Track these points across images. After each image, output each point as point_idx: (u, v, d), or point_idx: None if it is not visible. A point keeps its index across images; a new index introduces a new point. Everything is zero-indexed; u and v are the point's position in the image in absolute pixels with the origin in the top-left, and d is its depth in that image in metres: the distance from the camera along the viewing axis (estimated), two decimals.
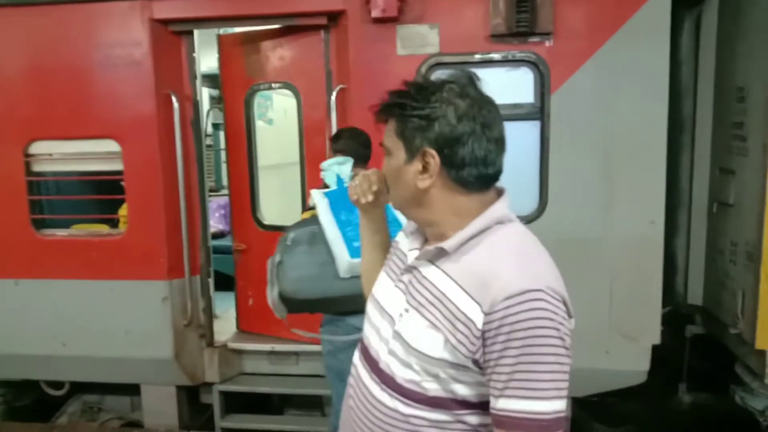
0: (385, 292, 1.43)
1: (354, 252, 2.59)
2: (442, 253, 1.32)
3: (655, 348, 3.36)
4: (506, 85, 3.31)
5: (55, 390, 4.06)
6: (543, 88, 3.24)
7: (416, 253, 1.38)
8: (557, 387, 1.17)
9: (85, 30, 3.50)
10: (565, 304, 1.22)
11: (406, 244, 1.46)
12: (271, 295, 2.72)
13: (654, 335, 3.34)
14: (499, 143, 1.31)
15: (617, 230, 3.28)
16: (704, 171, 3.61)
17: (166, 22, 3.53)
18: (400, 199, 1.38)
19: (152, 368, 3.72)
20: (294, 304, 2.74)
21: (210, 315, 3.92)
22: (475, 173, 1.28)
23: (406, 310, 1.33)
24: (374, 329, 1.42)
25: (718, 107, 3.51)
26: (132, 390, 3.98)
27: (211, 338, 3.90)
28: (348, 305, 2.66)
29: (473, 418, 1.29)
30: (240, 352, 3.99)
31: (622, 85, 3.18)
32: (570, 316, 1.24)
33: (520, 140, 3.32)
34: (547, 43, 3.21)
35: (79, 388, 4.11)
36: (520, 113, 3.30)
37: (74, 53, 3.53)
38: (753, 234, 3.12)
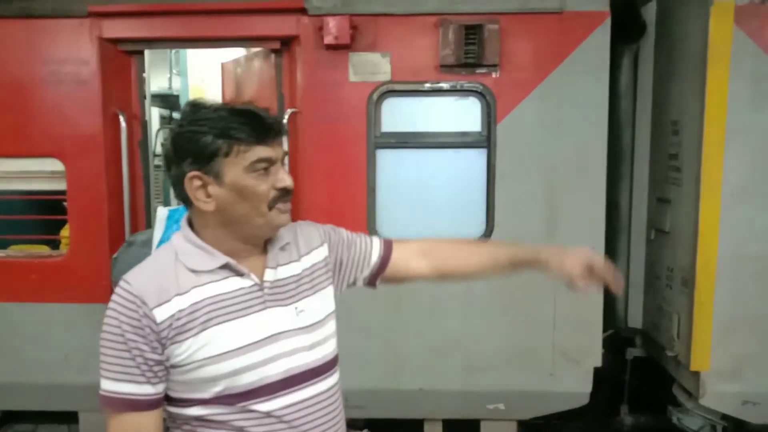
0: (256, 328, 1.42)
1: None
2: (284, 248, 1.56)
3: (596, 370, 3.45)
4: (454, 114, 3.41)
5: None
6: (489, 118, 3.34)
7: (270, 271, 1.50)
8: None
9: (31, 46, 3.42)
10: None
11: (210, 287, 1.41)
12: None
13: (596, 358, 3.43)
14: None
15: None
16: (642, 199, 3.77)
17: (115, 41, 3.48)
18: None
19: (91, 395, 3.55)
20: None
21: None
22: None
23: (297, 305, 1.50)
24: (275, 359, 1.44)
25: (655, 139, 3.69)
26: (69, 418, 3.82)
27: None
28: None
29: None
30: None
31: (564, 115, 3.31)
32: None
33: (468, 167, 3.41)
34: (493, 75, 3.32)
35: (12, 417, 3.92)
36: (467, 141, 3.38)
37: (19, 69, 3.44)
38: (687, 260, 3.27)
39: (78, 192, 3.48)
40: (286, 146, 1.49)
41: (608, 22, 3.25)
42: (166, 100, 6.32)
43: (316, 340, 1.51)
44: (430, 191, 3.42)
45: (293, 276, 1.54)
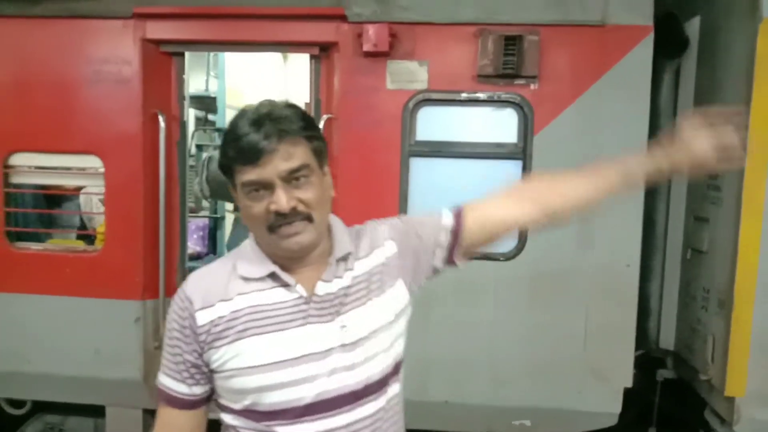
0: (291, 345, 1.34)
1: None
2: (344, 258, 1.46)
3: (626, 391, 3.38)
4: (490, 124, 3.38)
5: (15, 409, 3.93)
6: (526, 129, 3.31)
7: (299, 286, 1.39)
8: None
9: (76, 45, 3.50)
10: None
11: (253, 296, 1.38)
12: (199, 182, 4.31)
13: (626, 378, 3.37)
14: None
15: (593, 272, 3.32)
16: (679, 218, 3.69)
17: (157, 43, 3.54)
18: (326, 217, 1.45)
19: (120, 390, 3.63)
20: (215, 185, 4.45)
21: None
22: None
23: (342, 322, 1.38)
24: (308, 381, 1.34)
25: None
26: (97, 412, 3.87)
27: None
28: None
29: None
30: None
31: (602, 130, 3.26)
32: None
33: (502, 179, 3.37)
34: (532, 86, 3.29)
35: (42, 407, 3.99)
36: (502, 152, 3.36)
37: (64, 67, 3.52)
38: (725, 281, 3.18)
39: (115, 189, 3.54)
40: (306, 157, 1.35)
41: (651, 36, 3.20)
42: (203, 102, 6.41)
43: (358, 359, 1.37)
44: (461, 202, 3.40)
45: (342, 288, 1.41)
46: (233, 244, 5.00)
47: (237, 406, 1.39)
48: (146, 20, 3.46)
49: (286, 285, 1.39)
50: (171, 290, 3.71)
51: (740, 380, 3.14)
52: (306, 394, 1.34)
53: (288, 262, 1.40)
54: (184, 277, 3.81)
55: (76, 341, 3.59)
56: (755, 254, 3.08)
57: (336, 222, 1.50)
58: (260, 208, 1.32)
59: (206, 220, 6.22)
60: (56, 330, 3.61)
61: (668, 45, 3.46)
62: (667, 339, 3.76)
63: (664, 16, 3.43)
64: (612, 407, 3.37)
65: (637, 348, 3.48)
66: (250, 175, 1.29)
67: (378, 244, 1.49)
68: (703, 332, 3.39)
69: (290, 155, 1.30)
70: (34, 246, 3.73)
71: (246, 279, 1.39)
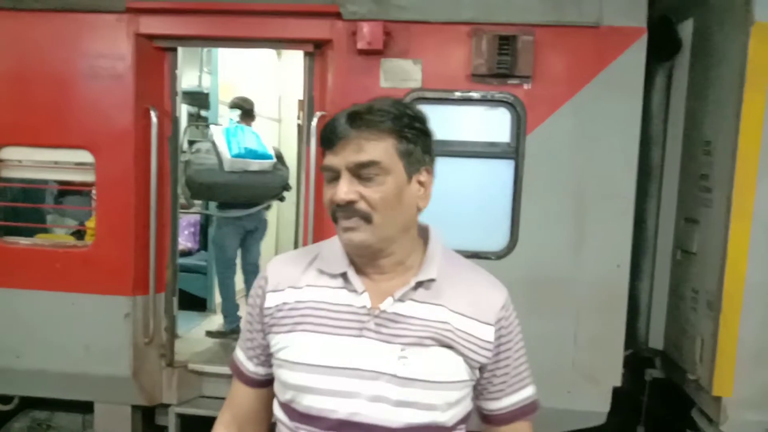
0: (342, 353, 1.26)
1: (233, 153, 4.50)
2: (425, 285, 1.29)
3: (615, 390, 3.40)
4: (484, 123, 3.39)
5: (2, 404, 3.91)
6: (519, 129, 3.32)
7: (367, 294, 1.29)
8: (530, 373, 1.44)
9: (70, 39, 3.48)
10: None
11: (323, 292, 1.32)
12: (180, 186, 4.09)
13: (615, 377, 3.39)
14: None
15: (584, 272, 3.34)
16: (670, 219, 3.72)
17: (151, 38, 3.52)
18: (397, 224, 1.27)
19: (109, 386, 3.62)
20: (195, 187, 4.55)
21: (172, 334, 3.84)
22: None
23: (403, 351, 1.25)
24: (347, 396, 1.25)
25: (685, 158, 3.64)
26: (85, 408, 3.85)
27: (172, 358, 3.81)
28: (231, 194, 4.63)
29: None
30: (200, 374, 3.91)
31: (595, 131, 3.28)
32: None
33: (494, 178, 3.39)
34: (525, 86, 3.30)
35: (29, 403, 3.96)
36: (495, 152, 3.37)
37: (57, 61, 3.50)
38: (714, 283, 3.21)
39: (106, 184, 3.53)
40: (382, 155, 1.24)
41: (644, 38, 3.22)
42: (195, 98, 6.37)
43: (409, 399, 1.24)
44: (453, 201, 3.39)
45: (424, 320, 1.27)
46: (216, 241, 4.95)
47: (281, 398, 1.35)
48: (140, 15, 3.45)
49: (354, 290, 1.30)
50: (161, 286, 3.70)
51: (728, 381, 3.17)
52: (341, 408, 1.25)
53: (362, 264, 1.32)
54: (174, 273, 3.81)
55: (66, 337, 3.57)
56: (744, 256, 3.11)
57: (436, 243, 1.36)
58: (328, 195, 1.27)
59: (198, 217, 6.19)
60: (46, 326, 3.59)
61: (661, 47, 3.48)
62: (657, 339, 3.79)
63: (658, 18, 3.46)
64: (601, 406, 3.39)
65: (626, 348, 3.50)
66: (326, 159, 1.26)
67: (482, 318, 1.32)
68: (691, 333, 3.42)
69: (362, 148, 1.22)
70: (23, 241, 3.71)
71: (320, 272, 1.34)
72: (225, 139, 4.58)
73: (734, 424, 3.21)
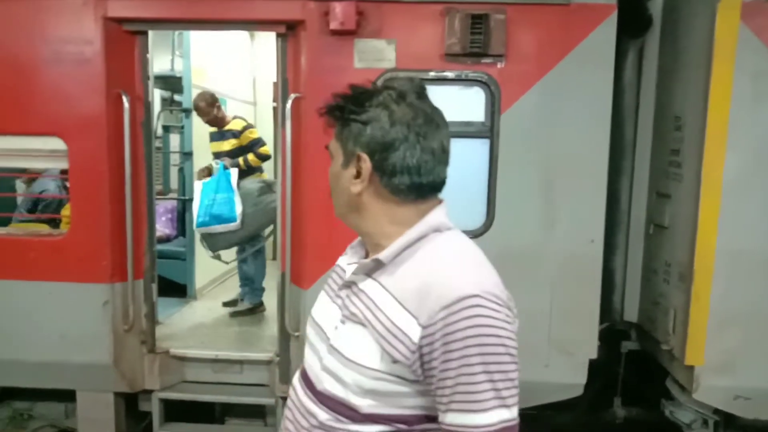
0: (321, 310, 1.42)
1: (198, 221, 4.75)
2: (378, 265, 1.28)
3: (591, 362, 3.49)
4: (458, 103, 3.40)
5: None
6: (493, 108, 3.34)
7: (354, 267, 1.34)
8: (500, 396, 1.13)
9: (35, 24, 3.40)
10: (508, 307, 1.21)
11: (344, 259, 1.46)
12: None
13: (591, 350, 3.47)
14: (438, 154, 1.26)
15: (559, 247, 3.40)
16: (642, 194, 3.78)
17: (120, 21, 3.46)
18: (339, 204, 1.36)
19: (89, 374, 3.61)
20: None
21: (152, 321, 3.83)
22: (407, 182, 1.25)
23: (342, 322, 1.30)
24: (312, 349, 1.40)
25: (657, 134, 3.70)
26: (67, 396, 3.84)
27: (153, 344, 3.81)
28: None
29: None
30: (182, 359, 3.91)
31: (568, 108, 3.31)
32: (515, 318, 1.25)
33: (470, 157, 3.41)
34: (498, 65, 3.32)
35: (9, 394, 3.94)
36: (470, 131, 3.38)
37: (23, 47, 3.43)
38: (685, 255, 3.29)
39: (80, 171, 3.48)
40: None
41: (615, 15, 3.25)
42: (168, 82, 6.28)
43: (329, 366, 1.30)
44: None
45: (367, 298, 1.28)
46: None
47: None
48: None
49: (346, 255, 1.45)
50: (139, 273, 3.68)
51: (699, 350, 3.26)
52: (308, 358, 1.40)
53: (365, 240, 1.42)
54: (152, 260, 3.79)
55: (45, 326, 3.54)
56: (714, 229, 3.19)
57: (415, 230, 1.28)
58: None
59: (175, 203, 6.14)
60: (22, 315, 3.56)
61: (632, 24, 3.51)
62: (631, 312, 3.88)
63: None
64: (578, 379, 3.47)
65: (601, 321, 3.57)
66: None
67: (405, 305, 1.20)
68: (664, 305, 3.50)
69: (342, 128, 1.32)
70: None
71: (354, 244, 1.47)
72: (198, 202, 4.82)
73: (706, 392, 3.32)
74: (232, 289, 5.47)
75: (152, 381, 3.78)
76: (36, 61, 3.44)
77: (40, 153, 3.56)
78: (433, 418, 1.22)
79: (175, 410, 3.87)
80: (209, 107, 4.97)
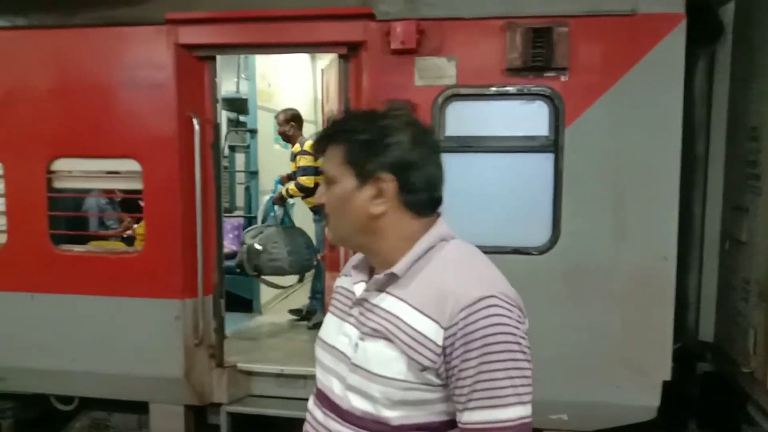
0: (332, 332, 1.43)
1: None
2: (392, 279, 1.32)
3: (665, 384, 3.34)
4: (521, 117, 3.37)
5: (64, 405, 4.08)
6: (557, 122, 3.29)
7: (363, 285, 1.39)
8: (518, 393, 1.19)
9: (112, 52, 3.61)
10: (519, 307, 1.27)
11: (348, 281, 1.47)
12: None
13: (665, 371, 3.32)
14: (441, 168, 1.37)
15: (629, 263, 3.29)
16: (716, 207, 3.62)
17: (190, 47, 3.62)
18: (348, 227, 1.36)
19: (162, 386, 3.74)
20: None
21: (221, 335, 3.94)
22: (426, 198, 1.34)
23: (361, 339, 1.32)
24: (326, 371, 1.41)
25: (731, 145, 3.55)
26: (140, 408, 3.99)
27: (221, 359, 3.92)
28: None
29: None
30: (249, 374, 4.00)
31: (635, 120, 3.22)
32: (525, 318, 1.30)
33: (533, 172, 3.37)
34: (562, 78, 3.27)
35: (88, 403, 4.13)
36: (533, 145, 3.34)
37: (101, 74, 3.64)
38: (765, 271, 3.12)
39: (153, 191, 3.64)
40: (330, 164, 1.36)
41: (684, 24, 3.15)
42: (234, 104, 6.51)
43: (354, 384, 1.31)
44: (494, 197, 3.39)
45: (386, 312, 1.30)
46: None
47: None
48: (179, 26, 3.55)
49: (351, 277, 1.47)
50: (209, 289, 3.80)
51: None
52: (324, 380, 1.41)
53: (369, 260, 1.44)
54: (221, 276, 3.90)
55: (120, 340, 3.70)
56: None
57: (423, 243, 1.33)
58: None
59: (240, 220, 6.32)
60: (100, 329, 3.73)
61: (702, 32, 3.39)
62: (706, 331, 3.70)
63: (698, 2, 3.37)
64: (650, 401, 3.33)
65: (675, 341, 3.43)
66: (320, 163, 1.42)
67: (427, 312, 1.24)
68: (743, 324, 3.33)
69: (324, 158, 1.37)
70: (77, 248, 3.86)
71: (357, 263, 1.48)
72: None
73: None
74: (297, 304, 5.56)
75: (220, 394, 3.87)
76: (114, 87, 3.64)
77: (117, 175, 3.75)
78: (456, 423, 1.26)
79: (241, 423, 3.95)
80: (284, 122, 5.22)
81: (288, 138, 5.29)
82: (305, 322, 5.20)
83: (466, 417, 1.20)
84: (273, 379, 3.99)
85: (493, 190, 3.40)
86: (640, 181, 3.25)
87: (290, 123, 5.21)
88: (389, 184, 1.29)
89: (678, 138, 3.22)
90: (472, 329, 1.18)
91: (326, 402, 1.38)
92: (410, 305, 1.27)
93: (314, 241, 5.19)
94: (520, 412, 1.19)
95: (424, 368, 1.22)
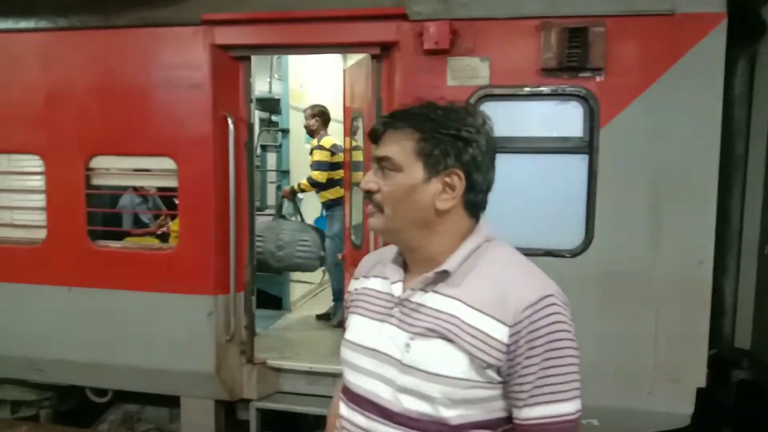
0: (369, 334, 1.39)
1: None
2: (440, 277, 1.32)
3: (699, 391, 3.27)
4: (555, 118, 3.34)
5: (98, 397, 4.17)
6: (592, 123, 3.25)
7: (401, 284, 1.38)
8: (576, 387, 1.25)
9: (150, 53, 3.68)
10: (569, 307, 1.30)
11: (377, 282, 1.45)
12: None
13: (699, 378, 3.26)
14: (495, 172, 1.39)
15: (665, 268, 3.23)
16: (755, 211, 3.53)
17: (226, 48, 3.67)
18: (405, 218, 1.33)
19: (193, 381, 3.80)
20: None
21: (252, 332, 3.99)
22: (483, 198, 1.38)
23: (412, 339, 1.30)
24: (367, 375, 1.37)
25: None
26: (171, 402, 4.07)
27: (252, 355, 3.96)
28: None
29: None
30: (278, 370, 4.04)
31: (673, 122, 3.17)
32: None
33: (568, 173, 3.33)
34: (597, 78, 3.22)
35: (122, 396, 4.22)
36: (568, 146, 3.31)
37: (139, 74, 3.71)
38: None
39: (188, 189, 3.70)
40: (396, 152, 1.32)
41: (724, 23, 3.08)
42: (266, 104, 6.58)
43: (408, 386, 1.29)
44: (527, 198, 3.36)
45: (437, 312, 1.30)
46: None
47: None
48: (214, 27, 3.60)
49: (385, 278, 1.44)
50: (241, 286, 3.85)
51: None
52: (360, 384, 1.38)
53: (406, 259, 1.42)
54: (252, 273, 3.95)
55: (154, 335, 3.78)
56: None
57: (472, 240, 1.35)
58: None
59: (271, 218, 6.38)
60: (134, 324, 3.81)
61: (743, 31, 3.31)
62: (743, 338, 3.61)
63: (739, 1, 3.29)
64: (684, 408, 3.27)
65: (710, 347, 3.35)
66: (374, 150, 1.40)
67: (492, 313, 1.25)
68: None
69: (384, 145, 1.35)
70: (114, 244, 3.95)
71: (383, 263, 1.47)
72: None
73: None
74: (326, 301, 5.60)
75: (250, 390, 3.92)
76: (151, 86, 3.71)
77: (152, 172, 3.82)
78: (509, 420, 1.30)
79: (270, 420, 3.99)
80: (310, 116, 5.39)
81: (312, 132, 5.43)
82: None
83: (526, 413, 1.24)
84: (302, 376, 4.02)
85: (526, 191, 3.36)
86: (677, 183, 3.19)
87: (315, 118, 5.34)
88: (460, 181, 1.31)
89: (717, 139, 3.15)
90: (536, 327, 1.22)
91: (369, 406, 1.35)
92: (467, 304, 1.28)
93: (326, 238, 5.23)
94: (578, 405, 1.25)
95: (488, 366, 1.24)
